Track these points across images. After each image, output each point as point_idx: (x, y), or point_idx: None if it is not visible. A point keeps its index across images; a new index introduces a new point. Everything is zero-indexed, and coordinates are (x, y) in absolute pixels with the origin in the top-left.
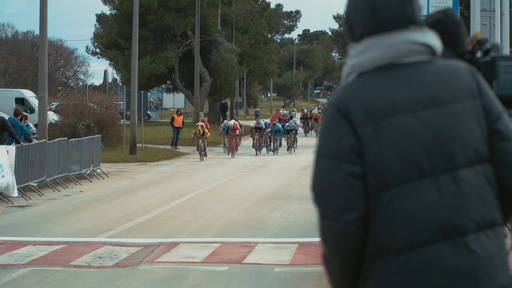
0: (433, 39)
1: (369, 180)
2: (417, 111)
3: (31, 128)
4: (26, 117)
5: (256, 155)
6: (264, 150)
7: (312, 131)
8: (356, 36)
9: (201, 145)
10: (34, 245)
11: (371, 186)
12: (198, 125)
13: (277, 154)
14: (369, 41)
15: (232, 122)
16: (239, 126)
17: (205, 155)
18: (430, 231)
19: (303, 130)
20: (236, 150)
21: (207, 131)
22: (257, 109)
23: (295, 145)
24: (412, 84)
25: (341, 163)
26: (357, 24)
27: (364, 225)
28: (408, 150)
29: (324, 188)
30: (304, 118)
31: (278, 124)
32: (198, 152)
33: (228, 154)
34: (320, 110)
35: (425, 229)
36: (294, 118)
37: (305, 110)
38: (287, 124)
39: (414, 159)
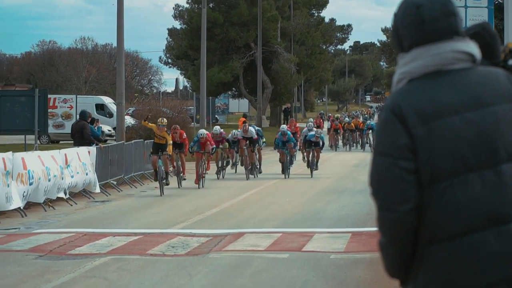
0: (474, 48)
1: (421, 175)
2: (463, 113)
3: (102, 130)
4: (97, 120)
5: (247, 178)
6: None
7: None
8: (405, 47)
9: (161, 167)
10: (114, 236)
11: (423, 180)
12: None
13: (288, 176)
14: (418, 51)
15: (204, 132)
16: (219, 138)
17: (166, 183)
18: (477, 220)
19: (329, 144)
20: (202, 176)
21: (170, 141)
22: (321, 111)
23: (314, 165)
24: (458, 88)
25: (397, 160)
26: (405, 36)
27: (418, 215)
28: (456, 147)
29: (381, 182)
30: (335, 130)
31: (288, 132)
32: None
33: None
34: (365, 116)
35: (472, 218)
36: (319, 129)
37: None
38: (311, 133)
39: (461, 156)
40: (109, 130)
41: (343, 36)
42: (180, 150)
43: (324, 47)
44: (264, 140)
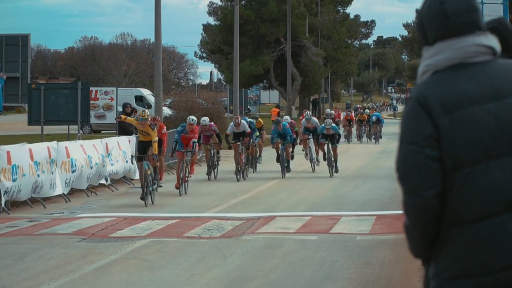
0: (494, 42)
1: (445, 162)
2: (484, 103)
3: None
4: (135, 111)
5: (238, 180)
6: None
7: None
8: (429, 40)
9: (148, 172)
10: (153, 220)
11: (447, 167)
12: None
13: (284, 176)
14: (442, 44)
15: (193, 118)
16: (208, 132)
17: (157, 187)
18: (497, 204)
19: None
20: (184, 180)
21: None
22: (348, 101)
23: (333, 163)
24: (479, 80)
25: (422, 148)
26: (430, 30)
27: (441, 200)
28: (478, 136)
29: (407, 169)
30: (348, 122)
31: (285, 123)
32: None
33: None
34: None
35: (492, 203)
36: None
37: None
38: (322, 126)
39: (482, 144)
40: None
41: (367, 31)
42: (158, 149)
43: (350, 41)
44: (257, 134)
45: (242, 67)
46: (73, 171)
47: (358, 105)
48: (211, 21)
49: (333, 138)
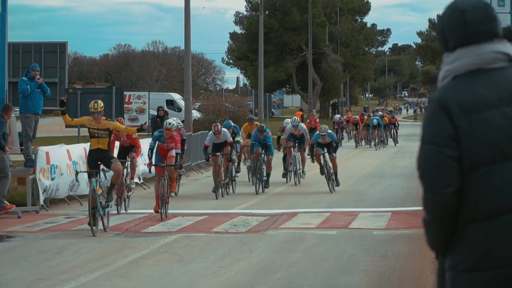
0: (511, 49)
1: (463, 162)
2: (501, 107)
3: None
4: (167, 114)
5: (217, 197)
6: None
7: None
8: (450, 47)
9: (97, 192)
10: (183, 216)
11: (465, 167)
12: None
13: (257, 192)
14: (462, 51)
15: (172, 123)
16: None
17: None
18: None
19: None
20: (165, 201)
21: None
22: (365, 105)
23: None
24: (497, 85)
25: (442, 148)
26: (451, 37)
27: (459, 197)
28: (494, 138)
29: (428, 168)
30: (354, 125)
31: (268, 129)
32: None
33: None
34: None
35: (507, 201)
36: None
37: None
38: (317, 133)
39: (499, 146)
40: (178, 123)
41: (383, 39)
42: (128, 159)
43: (367, 49)
44: (239, 138)
45: (266, 73)
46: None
47: (377, 108)
48: (237, 29)
49: (330, 147)
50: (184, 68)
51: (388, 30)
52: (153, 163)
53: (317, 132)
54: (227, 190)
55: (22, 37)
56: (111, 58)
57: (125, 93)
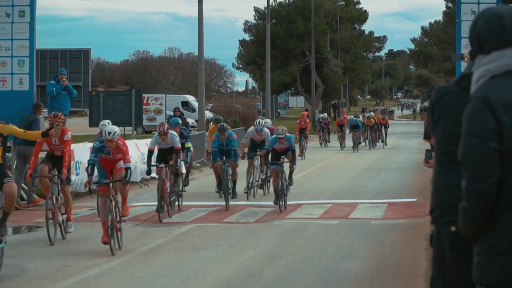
0: None
1: (504, 154)
2: None
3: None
4: (182, 114)
5: (161, 219)
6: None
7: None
8: (485, 49)
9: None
10: (197, 208)
11: (505, 159)
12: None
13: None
14: (498, 53)
15: (113, 132)
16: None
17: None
18: None
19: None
20: (116, 229)
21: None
22: (364, 106)
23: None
24: None
25: (486, 141)
26: (487, 40)
27: (498, 187)
28: None
29: (473, 159)
30: (339, 127)
31: (231, 132)
32: None
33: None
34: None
35: None
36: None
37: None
38: (273, 137)
39: None
40: (192, 122)
41: (379, 45)
42: (59, 173)
43: (365, 54)
44: (189, 145)
45: (273, 77)
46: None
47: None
48: (246, 37)
49: (286, 155)
50: (197, 72)
51: (384, 37)
52: (94, 180)
53: (274, 136)
54: (170, 209)
55: (49, 44)
56: (131, 63)
57: (143, 95)
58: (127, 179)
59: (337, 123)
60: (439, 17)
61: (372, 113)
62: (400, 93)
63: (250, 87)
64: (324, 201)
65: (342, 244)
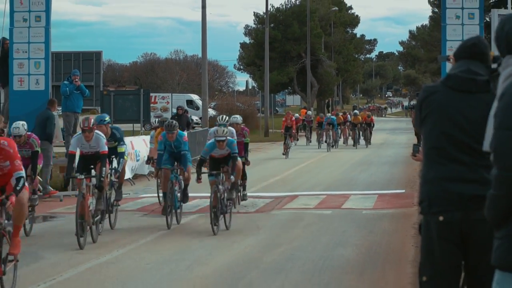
0: None
1: None
2: None
3: (191, 119)
4: (186, 111)
5: (82, 247)
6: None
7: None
8: None
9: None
10: (200, 199)
11: None
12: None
13: (177, 221)
14: None
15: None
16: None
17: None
18: None
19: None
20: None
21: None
22: (355, 104)
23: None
24: None
25: None
26: None
27: None
28: None
29: (504, 150)
30: (319, 124)
31: (181, 133)
32: None
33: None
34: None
35: None
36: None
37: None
38: (211, 141)
39: None
40: (196, 119)
41: (370, 47)
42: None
43: (356, 56)
44: (122, 149)
45: (271, 77)
46: (137, 160)
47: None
48: (247, 40)
49: (228, 163)
50: (201, 73)
51: (375, 40)
52: None
53: (212, 139)
54: (94, 231)
55: (63, 47)
56: (139, 64)
57: (151, 94)
58: (20, 187)
59: (317, 120)
60: (426, 22)
61: (356, 111)
62: (390, 92)
63: (250, 87)
64: (319, 193)
65: (336, 232)
